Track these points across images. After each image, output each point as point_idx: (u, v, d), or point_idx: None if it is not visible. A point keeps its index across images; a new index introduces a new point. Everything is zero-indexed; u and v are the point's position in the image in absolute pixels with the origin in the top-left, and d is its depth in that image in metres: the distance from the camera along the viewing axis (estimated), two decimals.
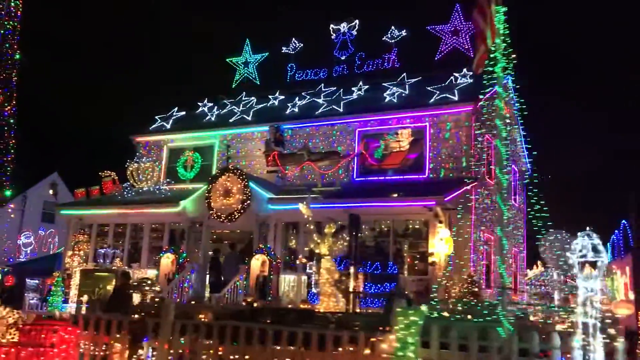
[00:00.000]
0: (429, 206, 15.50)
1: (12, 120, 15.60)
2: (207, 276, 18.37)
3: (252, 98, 24.31)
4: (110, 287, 18.45)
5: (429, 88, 19.97)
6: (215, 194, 18.28)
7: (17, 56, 15.94)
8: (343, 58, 24.13)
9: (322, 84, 23.42)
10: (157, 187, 21.15)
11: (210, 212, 18.24)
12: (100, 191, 22.03)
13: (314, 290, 16.34)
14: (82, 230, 20.75)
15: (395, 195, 15.80)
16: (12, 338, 8.07)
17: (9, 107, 15.61)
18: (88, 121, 58.50)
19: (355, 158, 18.18)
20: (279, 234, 17.85)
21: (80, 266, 19.53)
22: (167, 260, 18.19)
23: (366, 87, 22.16)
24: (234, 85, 26.02)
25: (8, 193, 15.35)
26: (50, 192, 25.19)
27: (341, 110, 20.70)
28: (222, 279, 17.97)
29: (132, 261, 19.63)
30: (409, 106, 19.47)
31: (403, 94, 20.44)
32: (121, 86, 64.36)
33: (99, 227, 20.82)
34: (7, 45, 15.65)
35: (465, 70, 20.56)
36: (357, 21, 24.39)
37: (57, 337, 7.63)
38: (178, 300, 17.10)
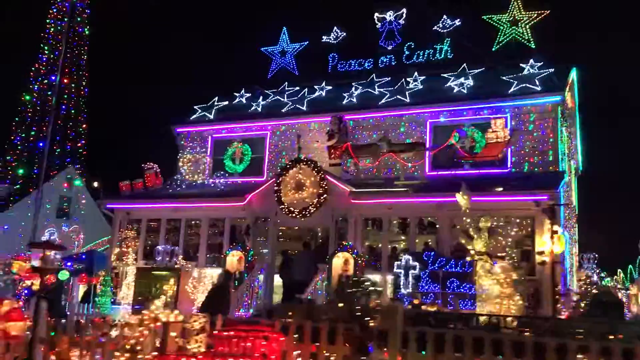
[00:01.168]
0: (539, 200, 14.45)
1: (82, 104, 14.11)
2: (276, 276, 17.04)
3: (296, 88, 23.03)
4: (167, 287, 17.07)
5: (504, 78, 18.95)
6: (285, 187, 16.94)
7: (86, 31, 14.46)
8: (390, 48, 23.06)
9: (374, 75, 22.22)
10: (211, 180, 19.71)
11: (281, 206, 16.89)
12: (144, 184, 20.46)
13: (403, 291, 15.22)
14: (129, 226, 19.20)
15: (501, 189, 14.68)
16: (199, 347, 6.68)
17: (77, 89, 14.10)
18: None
19: (446, 149, 16.98)
20: (359, 230, 16.58)
21: (130, 264, 18.02)
22: (232, 258, 16.78)
23: (422, 77, 21.04)
24: (269, 76, 24.69)
25: (78, 182, 13.82)
26: (95, 184, 23.25)
27: (408, 100, 19.53)
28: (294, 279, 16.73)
29: (187, 259, 18.08)
30: (484, 97, 18.42)
31: (470, 85, 19.36)
32: (149, 75, 61.87)
33: (148, 222, 19.26)
34: (79, 19, 14.18)
35: (532, 61, 19.66)
36: (404, 9, 23.34)
37: (267, 345, 6.28)
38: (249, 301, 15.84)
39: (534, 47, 20.63)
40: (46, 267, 10.08)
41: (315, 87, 22.52)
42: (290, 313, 8.70)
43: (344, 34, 24.10)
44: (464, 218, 13.29)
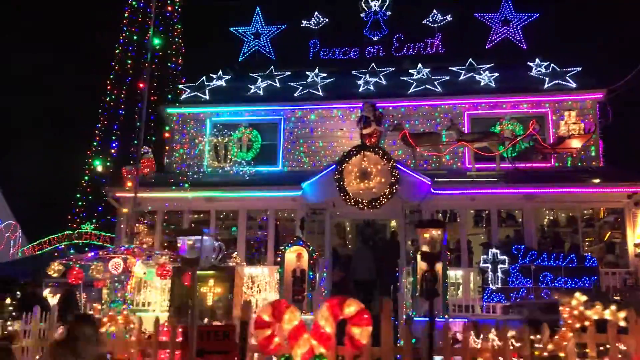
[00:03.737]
0: (633, 192, 14.50)
1: None
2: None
3: (287, 72, 21.25)
4: (220, 289, 14.63)
5: (532, 73, 19.00)
6: (349, 176, 15.36)
7: None
8: (376, 39, 22.27)
9: (374, 64, 21.17)
10: (238, 167, 17.41)
11: (344, 196, 15.26)
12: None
13: (492, 287, 14.49)
14: (140, 219, 16.29)
15: (598, 180, 14.51)
16: None
17: None
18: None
19: (523, 140, 16.42)
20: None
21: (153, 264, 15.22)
22: (292, 254, 14.84)
23: (427, 69, 20.45)
24: (241, 59, 22.64)
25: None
26: None
27: (440, 90, 18.82)
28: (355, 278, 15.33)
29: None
30: (523, 90, 18.30)
31: (496, 79, 19.14)
32: None
33: (164, 214, 16.47)
34: None
35: (538, 60, 19.93)
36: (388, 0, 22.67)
37: None
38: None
39: (525, 47, 21.01)
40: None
41: (307, 72, 20.92)
42: None
43: (326, 20, 22.82)
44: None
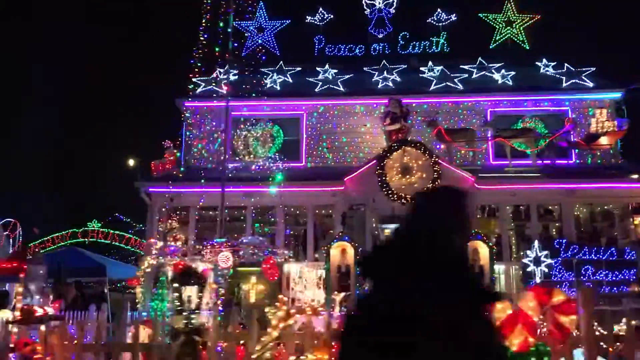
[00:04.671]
0: None
1: None
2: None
3: (297, 68, 21.01)
4: (263, 286, 14.29)
5: (549, 73, 19.42)
6: (390, 171, 15.31)
7: None
8: (381, 36, 22.34)
9: (384, 60, 21.18)
10: (262, 161, 17.03)
11: (387, 192, 15.20)
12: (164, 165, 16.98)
13: (536, 280, 14.71)
14: (173, 215, 15.74)
15: (637, 176, 14.95)
16: None
17: None
18: None
19: (564, 135, 16.69)
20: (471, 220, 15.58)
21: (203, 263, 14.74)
22: (336, 250, 14.65)
23: (439, 67, 20.61)
24: (244, 54, 22.24)
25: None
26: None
27: (461, 87, 18.99)
28: None
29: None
30: (545, 89, 18.68)
31: (515, 77, 19.46)
32: None
33: (198, 210, 15.97)
34: None
35: (545, 60, 20.41)
36: None
37: None
38: None
39: (527, 48, 21.49)
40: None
41: (318, 68, 20.75)
42: None
43: (331, 16, 22.72)
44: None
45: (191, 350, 5.90)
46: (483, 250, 14.67)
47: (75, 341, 5.98)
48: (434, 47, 21.82)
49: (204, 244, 11.78)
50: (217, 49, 15.67)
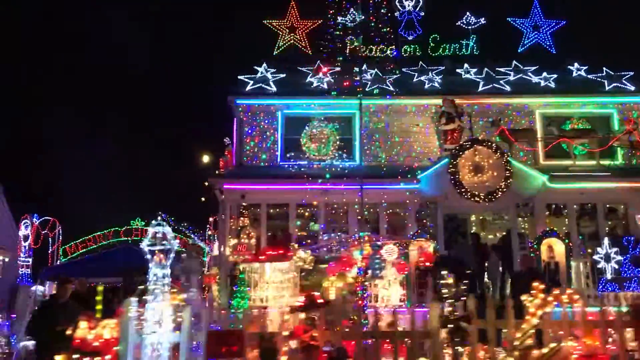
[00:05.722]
0: None
1: None
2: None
3: (337, 67, 21.00)
4: (342, 283, 14.25)
5: (589, 77, 19.97)
6: (463, 169, 15.51)
7: None
8: (410, 38, 22.57)
9: (421, 62, 21.45)
10: (327, 159, 17.00)
11: (460, 189, 15.40)
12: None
13: (607, 276, 15.11)
14: (244, 213, 15.56)
15: None
16: None
17: None
18: None
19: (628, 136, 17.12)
20: (542, 217, 15.94)
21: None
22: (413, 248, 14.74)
23: (474, 69, 20.98)
24: (275, 52, 22.19)
25: None
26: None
27: (509, 89, 19.36)
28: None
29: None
30: (591, 91, 19.19)
31: (555, 79, 19.94)
32: None
33: (268, 207, 15.81)
34: None
35: (576, 64, 21.01)
36: (422, 1, 23.09)
37: None
38: None
39: (554, 52, 22.09)
40: None
41: (356, 68, 20.84)
42: None
43: (362, 16, 22.81)
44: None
45: (460, 337, 5.89)
46: (558, 247, 15.01)
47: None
48: (463, 49, 22.13)
49: (352, 237, 11.66)
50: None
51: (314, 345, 5.77)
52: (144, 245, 6.32)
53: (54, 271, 18.36)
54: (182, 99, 49.79)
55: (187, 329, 5.99)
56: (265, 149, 18.32)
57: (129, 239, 19.20)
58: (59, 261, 18.38)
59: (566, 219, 16.12)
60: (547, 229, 15.08)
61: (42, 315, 9.89)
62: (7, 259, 18.80)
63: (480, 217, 18.19)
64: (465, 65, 20.91)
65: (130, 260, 15.55)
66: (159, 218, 6.49)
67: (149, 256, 6.33)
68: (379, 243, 10.54)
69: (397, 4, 22.73)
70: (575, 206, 16.29)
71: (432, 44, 22.28)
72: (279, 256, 7.09)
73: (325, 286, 13.81)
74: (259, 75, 19.70)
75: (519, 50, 22.10)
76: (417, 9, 22.72)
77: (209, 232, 19.87)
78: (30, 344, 11.89)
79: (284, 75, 19.96)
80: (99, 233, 18.93)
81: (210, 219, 19.90)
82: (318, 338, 5.86)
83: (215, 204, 17.34)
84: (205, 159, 15.73)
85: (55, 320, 9.03)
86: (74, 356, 5.99)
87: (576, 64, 20.87)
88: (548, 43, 22.11)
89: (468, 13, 22.37)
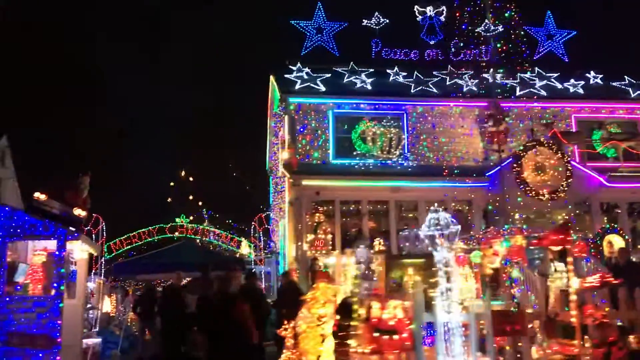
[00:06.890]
0: None
1: None
2: None
3: (370, 70, 21.47)
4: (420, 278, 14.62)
5: (616, 85, 21.15)
6: (527, 169, 16.23)
7: None
8: (432, 43, 23.30)
9: (450, 66, 22.17)
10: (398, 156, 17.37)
11: (525, 188, 16.10)
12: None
13: None
14: (318, 209, 15.75)
15: None
16: None
17: None
18: None
19: None
20: (598, 214, 16.85)
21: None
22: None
23: (498, 74, 21.88)
24: (303, 53, 22.48)
25: None
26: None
27: (544, 94, 20.26)
28: None
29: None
30: (619, 97, 20.35)
31: (586, 85, 20.98)
32: None
33: (341, 204, 16.04)
34: None
35: (593, 72, 22.25)
36: (444, 7, 23.89)
37: None
38: None
39: (567, 60, 23.32)
40: None
41: (388, 71, 21.44)
42: None
43: (387, 20, 23.38)
44: None
45: None
46: (619, 244, 15.84)
47: None
48: (483, 55, 22.96)
49: (495, 231, 12.01)
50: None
51: (606, 323, 6.17)
52: (422, 231, 6.55)
53: (121, 268, 18.09)
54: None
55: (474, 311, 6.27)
56: (317, 147, 18.51)
57: (174, 235, 18.98)
58: (102, 259, 17.96)
59: (622, 217, 16.99)
60: (606, 225, 15.88)
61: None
62: None
63: None
64: (491, 70, 21.66)
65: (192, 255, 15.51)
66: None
67: (427, 242, 6.54)
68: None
69: (419, 7, 23.27)
70: (625, 204, 17.25)
71: (452, 49, 22.98)
72: (559, 241, 7.37)
73: None
74: (304, 74, 19.90)
75: (534, 58, 23.12)
76: (438, 15, 23.39)
77: (258, 230, 19.84)
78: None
79: (329, 75, 20.24)
80: (143, 230, 18.64)
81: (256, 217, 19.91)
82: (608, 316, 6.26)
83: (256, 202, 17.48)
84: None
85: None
86: (374, 334, 6.17)
87: (592, 72, 22.08)
88: (560, 51, 23.20)
89: (487, 20, 23.23)
